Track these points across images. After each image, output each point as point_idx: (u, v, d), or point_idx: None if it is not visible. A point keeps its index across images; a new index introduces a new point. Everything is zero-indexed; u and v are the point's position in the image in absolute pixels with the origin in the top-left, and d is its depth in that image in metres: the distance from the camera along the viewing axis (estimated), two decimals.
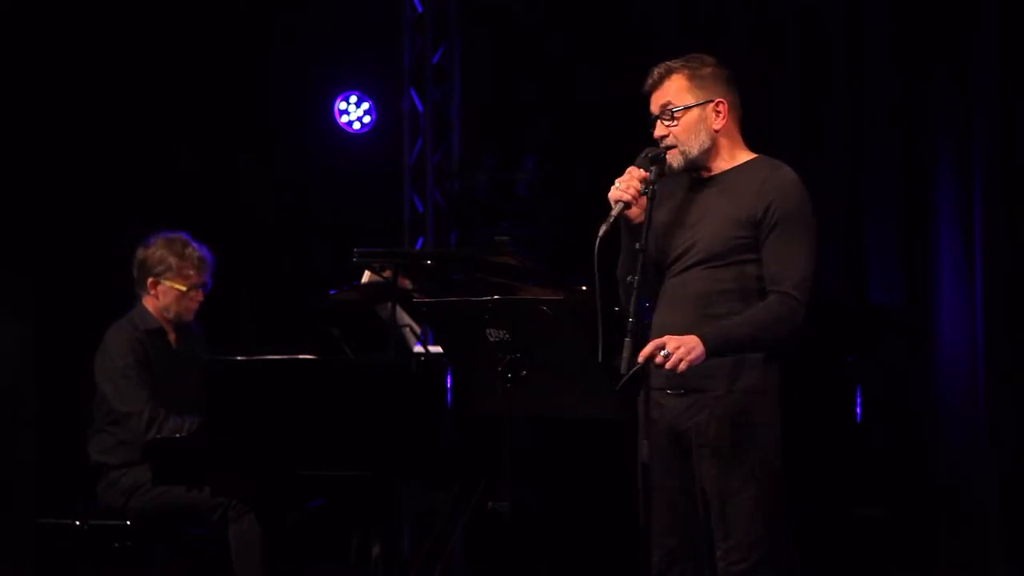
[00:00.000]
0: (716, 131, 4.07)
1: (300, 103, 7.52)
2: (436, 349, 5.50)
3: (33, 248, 6.22)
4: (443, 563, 6.22)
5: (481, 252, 5.63)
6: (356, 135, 7.61)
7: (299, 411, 4.97)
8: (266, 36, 7.34)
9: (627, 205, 3.94)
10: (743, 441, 3.98)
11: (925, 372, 6.25)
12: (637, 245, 3.91)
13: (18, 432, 6.10)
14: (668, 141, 4.06)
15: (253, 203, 7.34)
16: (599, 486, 5.68)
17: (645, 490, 3.88)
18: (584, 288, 4.87)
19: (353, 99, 7.59)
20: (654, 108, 4.09)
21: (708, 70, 4.08)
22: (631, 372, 3.75)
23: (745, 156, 4.11)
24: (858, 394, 5.56)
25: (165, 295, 5.66)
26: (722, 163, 4.09)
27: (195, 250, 5.69)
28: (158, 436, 5.32)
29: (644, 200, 3.95)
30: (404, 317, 5.83)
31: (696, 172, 4.10)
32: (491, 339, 3.90)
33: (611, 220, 3.92)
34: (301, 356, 5.19)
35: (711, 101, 4.06)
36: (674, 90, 4.07)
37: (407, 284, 5.51)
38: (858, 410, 5.56)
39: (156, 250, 5.67)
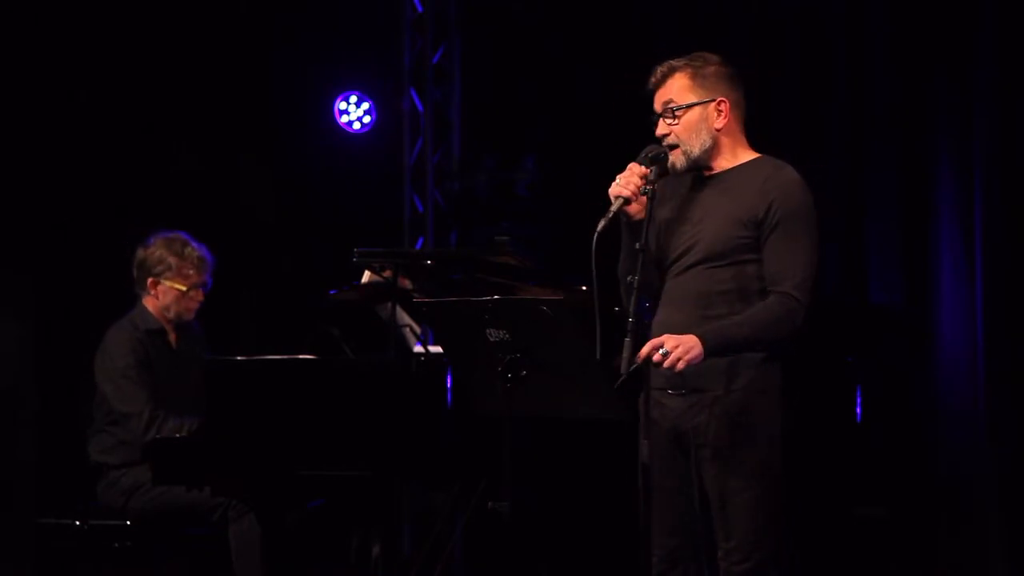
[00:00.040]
0: (718, 130, 4.07)
1: (300, 103, 7.52)
2: (436, 349, 5.50)
3: (33, 248, 6.22)
4: (443, 563, 6.22)
5: (481, 252, 5.63)
6: (356, 135, 7.61)
7: (299, 411, 4.97)
8: (266, 36, 7.34)
9: (627, 201, 3.94)
10: (743, 441, 3.98)
11: (925, 372, 6.25)
12: (637, 245, 3.91)
13: (18, 432, 6.10)
14: (670, 140, 4.06)
15: (253, 203, 7.35)
16: (599, 486, 5.67)
17: (645, 490, 3.88)
18: (584, 288, 4.87)
19: (353, 99, 7.59)
20: (657, 106, 4.09)
21: (711, 69, 4.08)
22: (630, 371, 3.75)
23: (748, 155, 4.11)
24: (858, 394, 5.56)
25: (165, 295, 5.66)
26: (724, 162, 4.09)
27: (195, 250, 5.69)
28: (158, 436, 5.32)
29: (644, 198, 3.96)
30: (404, 317, 5.83)
31: (698, 171, 4.11)
32: (491, 339, 3.90)
33: (610, 215, 3.92)
34: (301, 356, 5.19)
35: (713, 100, 4.06)
36: (676, 89, 4.07)
37: (407, 284, 5.50)
38: (858, 410, 5.56)
39: (156, 250, 5.67)
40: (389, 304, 5.39)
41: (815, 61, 6.62)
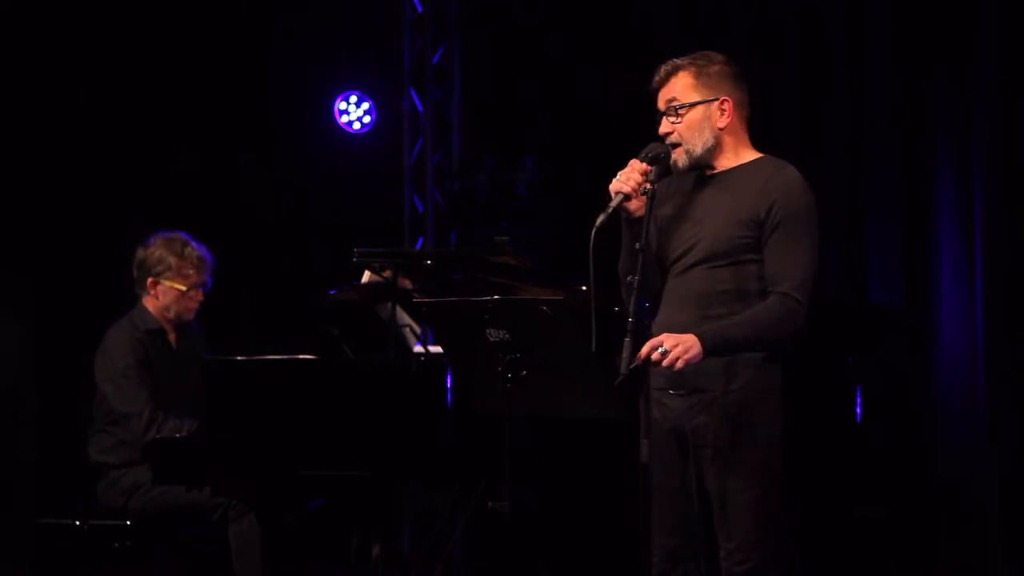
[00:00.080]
0: (720, 129, 4.07)
1: (300, 103, 7.52)
2: (436, 349, 5.50)
3: (33, 248, 6.22)
4: (443, 563, 6.22)
5: (481, 252, 5.63)
6: (356, 135, 7.61)
7: (299, 411, 4.97)
8: (266, 36, 7.34)
9: (626, 197, 3.94)
10: (743, 441, 3.98)
11: (925, 372, 6.25)
12: (637, 245, 3.91)
13: (18, 432, 6.10)
14: (672, 138, 4.06)
15: (253, 203, 7.35)
16: (599, 486, 5.68)
17: (645, 490, 3.88)
18: (584, 288, 4.87)
19: (353, 99, 7.59)
20: (660, 104, 4.09)
21: (715, 68, 4.08)
22: (629, 370, 3.75)
23: (750, 155, 4.11)
24: (858, 394, 5.55)
25: (165, 295, 5.66)
26: (727, 161, 4.09)
27: (194, 249, 5.69)
28: (157, 436, 5.32)
29: (644, 195, 3.96)
30: (404, 317, 5.83)
31: (700, 170, 4.11)
32: (491, 339, 3.90)
33: (609, 211, 3.92)
34: (301, 356, 5.19)
35: (716, 99, 4.06)
36: (680, 87, 4.07)
37: (407, 284, 5.50)
38: (858, 410, 5.56)
39: (155, 250, 5.67)
40: (389, 304, 5.39)
41: (815, 61, 6.62)
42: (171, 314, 5.67)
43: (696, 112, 4.06)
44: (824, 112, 6.59)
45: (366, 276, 5.57)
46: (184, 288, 5.65)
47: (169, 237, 5.70)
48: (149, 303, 5.68)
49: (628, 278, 3.90)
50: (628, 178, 3.95)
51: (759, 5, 6.77)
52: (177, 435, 5.30)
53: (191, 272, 5.66)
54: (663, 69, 4.10)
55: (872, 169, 6.45)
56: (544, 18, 7.47)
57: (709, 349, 3.87)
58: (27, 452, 6.11)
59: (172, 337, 5.71)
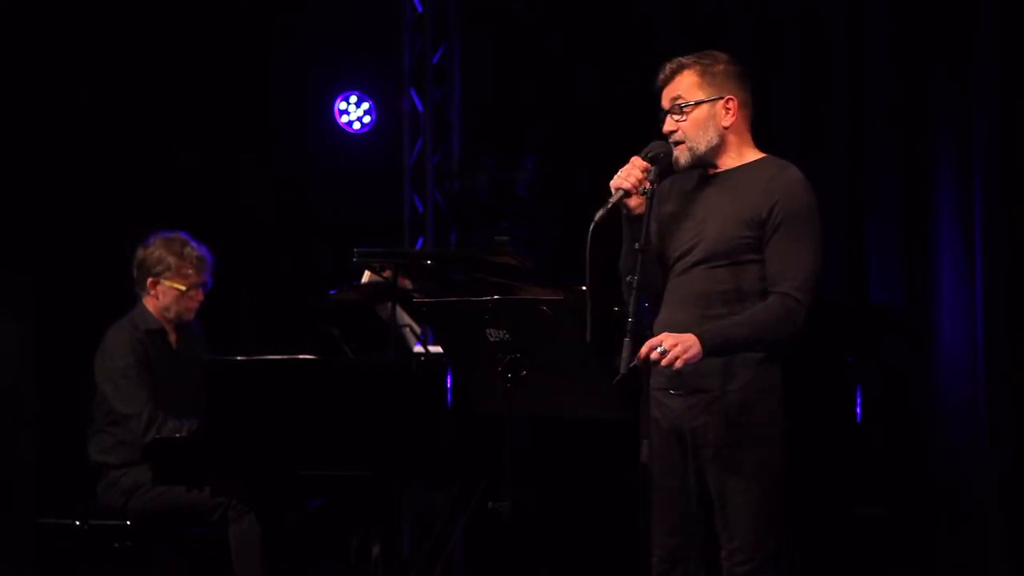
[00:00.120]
0: (725, 128, 4.07)
1: (300, 103, 7.52)
2: (436, 349, 5.50)
3: (33, 248, 6.22)
4: (443, 563, 6.22)
5: (481, 252, 5.63)
6: (356, 135, 7.61)
7: (299, 411, 4.97)
8: (266, 36, 7.34)
9: (626, 193, 3.95)
10: (744, 441, 3.98)
11: (925, 372, 6.25)
12: (636, 245, 3.91)
13: (18, 432, 6.10)
14: (676, 136, 4.06)
15: (253, 203, 7.35)
16: (599, 486, 5.67)
17: (645, 490, 3.88)
18: (584, 288, 4.87)
19: (353, 99, 7.59)
20: (664, 103, 4.09)
21: (720, 67, 4.08)
22: (629, 370, 3.75)
23: (753, 155, 4.11)
24: (858, 394, 5.55)
25: (165, 295, 5.66)
26: (730, 160, 4.09)
27: (194, 249, 5.69)
28: (157, 436, 5.32)
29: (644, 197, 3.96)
30: (404, 317, 5.83)
31: (703, 169, 4.11)
32: (491, 339, 3.90)
33: (608, 206, 3.92)
34: (301, 356, 5.19)
35: (721, 98, 4.06)
36: (685, 85, 4.07)
37: (407, 284, 5.50)
38: (858, 410, 5.55)
39: (155, 250, 5.67)
40: (389, 304, 5.39)
41: (815, 61, 6.61)
42: (171, 314, 5.67)
43: (701, 110, 4.06)
44: (824, 112, 6.59)
45: (366, 276, 5.57)
46: (184, 288, 5.65)
47: (169, 237, 5.70)
48: (149, 303, 5.68)
49: (628, 278, 3.89)
50: (629, 174, 3.95)
51: (759, 5, 6.77)
52: (177, 435, 5.30)
53: (191, 272, 5.66)
54: (668, 67, 4.10)
55: (872, 169, 6.45)
56: (544, 18, 7.47)
57: (709, 349, 3.87)
58: (27, 452, 6.11)
59: (172, 337, 5.71)
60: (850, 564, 5.92)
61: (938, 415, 6.22)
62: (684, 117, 4.06)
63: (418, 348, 5.83)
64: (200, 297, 5.72)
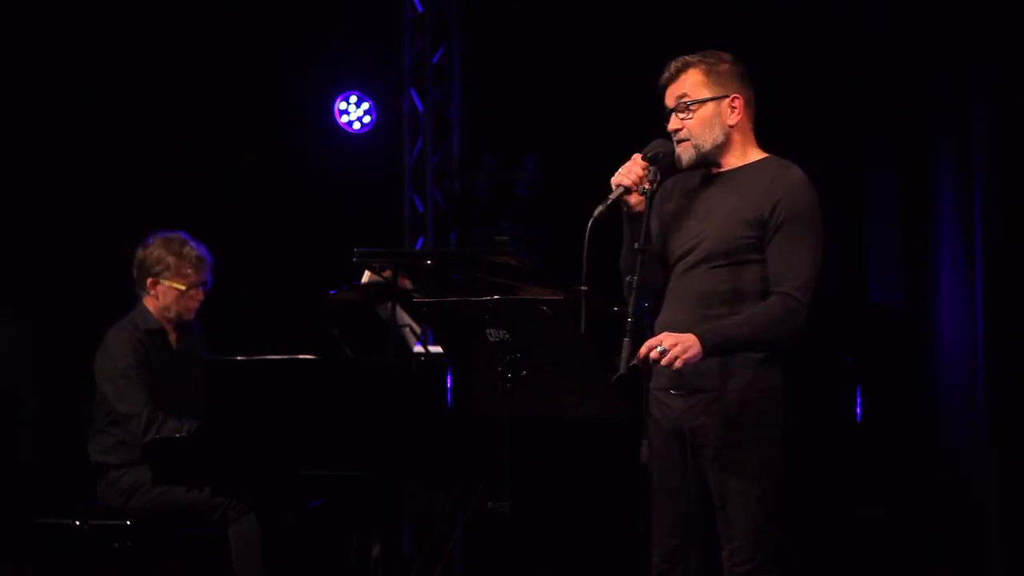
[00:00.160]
0: (731, 126, 4.07)
1: (300, 103, 7.52)
2: (436, 349, 5.50)
3: (33, 248, 6.22)
4: (443, 563, 6.22)
5: (481, 252, 5.63)
6: (356, 135, 7.61)
7: (299, 411, 4.97)
8: (266, 36, 7.34)
9: (627, 190, 3.95)
10: (744, 441, 3.98)
11: (925, 372, 6.25)
12: (636, 245, 3.91)
13: (18, 432, 6.10)
14: (682, 134, 4.06)
15: (253, 203, 7.35)
16: (599, 486, 5.67)
17: (645, 490, 3.88)
18: (584, 288, 4.87)
19: (353, 99, 7.59)
20: (669, 101, 4.09)
21: (725, 66, 4.09)
22: (628, 369, 3.75)
23: (757, 155, 4.11)
24: (858, 394, 5.55)
25: (165, 295, 5.66)
26: (733, 160, 4.09)
27: (193, 249, 5.69)
28: (157, 436, 5.32)
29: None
30: (404, 317, 5.83)
31: (706, 168, 4.11)
32: (491, 339, 3.90)
33: (608, 202, 3.93)
34: (301, 356, 5.19)
35: (727, 96, 4.07)
36: (690, 83, 4.07)
37: (407, 284, 5.50)
38: (858, 410, 5.56)
39: (154, 250, 5.67)
40: (389, 304, 5.39)
41: (815, 61, 6.61)
42: (171, 314, 5.67)
43: (707, 108, 4.06)
44: (824, 112, 6.59)
45: (366, 276, 5.57)
46: (183, 287, 5.65)
47: (168, 237, 5.70)
48: (149, 303, 5.68)
49: (627, 278, 3.89)
50: (630, 171, 3.95)
51: (759, 5, 6.77)
52: (177, 435, 5.30)
53: (190, 271, 5.66)
54: (673, 65, 4.10)
55: (872, 169, 6.45)
56: (544, 18, 7.47)
57: (709, 349, 3.87)
58: (27, 452, 6.11)
59: (172, 337, 5.71)
60: (850, 564, 5.91)
61: (938, 415, 6.22)
62: (690, 115, 4.06)
63: (418, 348, 5.83)
64: (200, 296, 5.72)
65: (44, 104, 6.38)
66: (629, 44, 6.94)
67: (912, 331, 6.26)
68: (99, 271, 6.30)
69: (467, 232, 7.64)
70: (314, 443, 4.96)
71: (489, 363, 3.92)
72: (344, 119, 7.58)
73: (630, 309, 3.81)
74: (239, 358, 5.17)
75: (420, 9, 7.67)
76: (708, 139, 4.06)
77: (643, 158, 3.98)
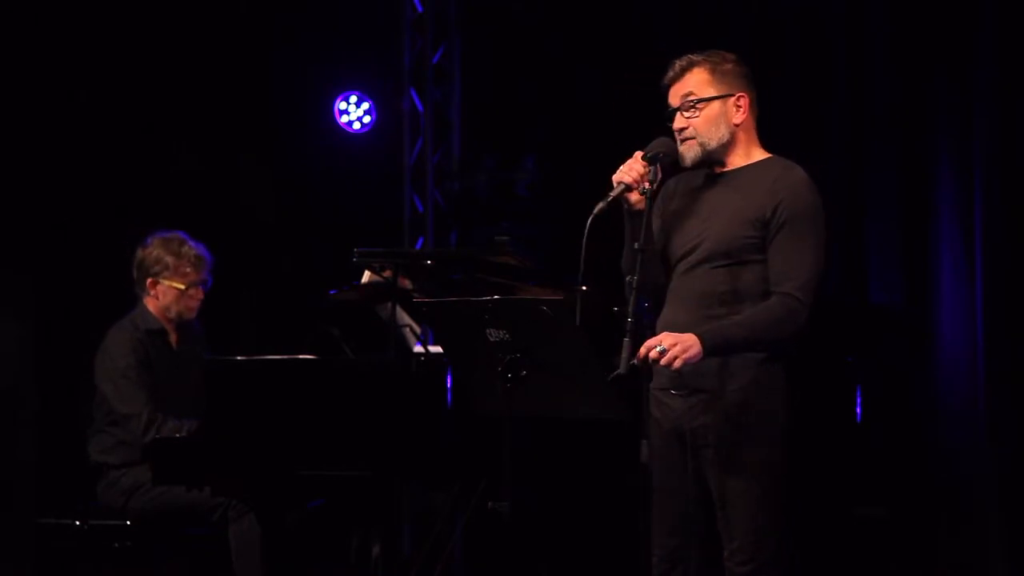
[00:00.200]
0: (736, 125, 4.07)
1: (300, 103, 7.52)
2: (436, 349, 5.50)
3: (33, 248, 6.22)
4: (443, 563, 6.22)
5: (481, 252, 5.63)
6: (356, 135, 7.61)
7: (299, 411, 4.97)
8: (266, 36, 7.34)
9: (628, 188, 3.95)
10: (744, 441, 3.98)
11: (925, 372, 6.25)
12: (636, 245, 3.91)
13: (18, 432, 6.10)
14: (687, 133, 4.06)
15: (253, 203, 7.35)
16: (599, 486, 5.67)
17: (645, 490, 3.88)
18: (584, 288, 4.87)
19: (353, 99, 7.59)
20: (674, 100, 4.09)
21: (729, 66, 4.09)
22: (628, 369, 3.75)
23: (760, 155, 4.11)
24: (858, 394, 5.55)
25: (165, 295, 5.66)
26: (737, 159, 4.10)
27: (192, 248, 5.69)
28: (157, 436, 5.32)
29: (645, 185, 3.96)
30: (404, 317, 5.83)
31: (710, 168, 4.11)
32: (491, 339, 3.90)
33: (609, 199, 3.93)
34: (301, 356, 5.19)
35: (732, 95, 4.07)
36: (696, 82, 4.07)
37: (407, 284, 5.50)
38: (858, 410, 5.56)
39: (153, 250, 5.67)
40: (389, 304, 5.39)
41: (815, 61, 6.61)
42: (172, 313, 5.67)
43: (713, 107, 4.06)
44: (824, 112, 6.59)
45: (366, 276, 5.57)
46: (183, 286, 5.65)
47: (166, 237, 5.70)
48: (150, 303, 5.68)
49: (628, 278, 3.89)
50: (631, 168, 3.96)
51: (759, 5, 6.77)
52: (177, 435, 5.30)
53: (189, 270, 5.67)
54: (677, 64, 4.10)
55: (872, 169, 6.45)
56: (544, 18, 7.47)
57: (709, 349, 3.87)
58: (27, 452, 6.11)
59: (173, 337, 5.71)
60: (850, 564, 5.91)
61: (938, 415, 6.22)
62: (696, 113, 4.06)
63: (418, 348, 5.83)
64: (200, 295, 5.72)
65: (44, 104, 6.37)
66: (629, 44, 6.94)
67: (912, 331, 6.26)
68: (99, 271, 6.30)
69: (467, 232, 7.64)
70: (314, 443, 4.96)
71: (489, 363, 3.92)
72: (344, 119, 7.58)
73: (630, 309, 3.81)
74: (239, 358, 5.17)
75: (420, 9, 7.67)
76: (714, 137, 4.06)
77: (643, 157, 3.98)
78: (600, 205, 3.90)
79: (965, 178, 6.17)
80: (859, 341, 5.88)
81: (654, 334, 3.91)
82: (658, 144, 4.03)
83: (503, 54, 7.61)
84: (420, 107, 7.70)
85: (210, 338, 5.88)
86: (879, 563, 6.08)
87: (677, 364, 3.82)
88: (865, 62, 6.48)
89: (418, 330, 5.94)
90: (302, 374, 5.06)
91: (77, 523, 5.51)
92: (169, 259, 5.64)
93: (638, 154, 3.99)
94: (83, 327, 5.90)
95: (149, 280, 5.66)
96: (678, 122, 4.07)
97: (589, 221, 3.84)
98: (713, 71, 4.07)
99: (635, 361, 3.78)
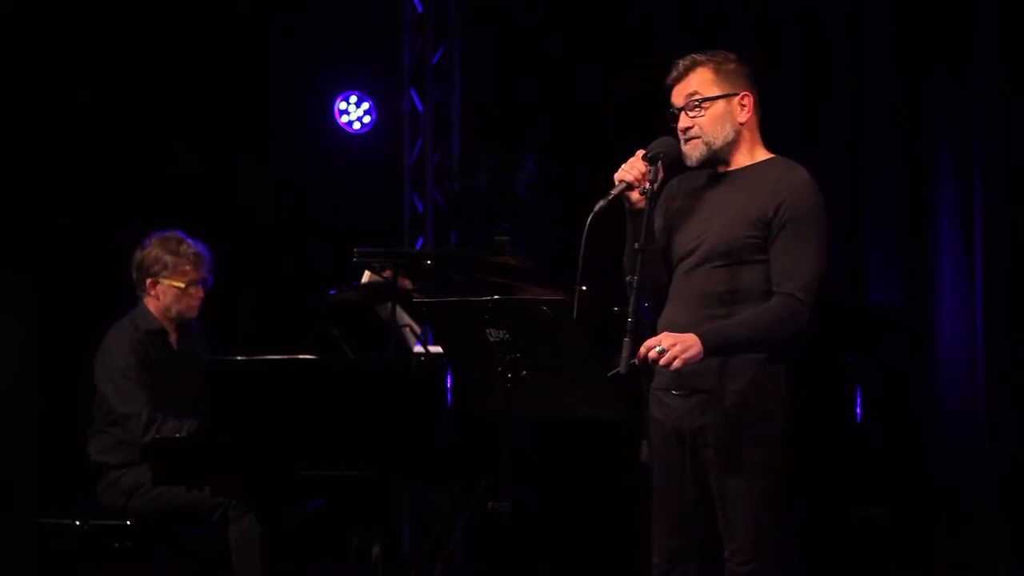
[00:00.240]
0: (741, 124, 4.07)
1: (300, 103, 7.52)
2: (436, 349, 5.50)
3: (33, 248, 6.22)
4: (443, 563, 6.22)
5: (481, 252, 5.63)
6: (356, 135, 7.61)
7: (299, 411, 4.97)
8: (266, 36, 7.34)
9: (629, 186, 3.95)
10: (745, 441, 3.97)
11: (925, 372, 6.25)
12: (636, 245, 3.91)
13: (18, 432, 6.10)
14: (692, 132, 4.06)
15: (253, 203, 7.35)
16: (599, 486, 5.67)
17: (645, 490, 3.88)
18: (584, 288, 4.87)
19: (353, 99, 7.59)
20: (677, 100, 4.09)
21: (732, 65, 4.09)
22: (628, 368, 3.75)
23: (763, 155, 4.11)
24: (858, 394, 5.55)
25: (165, 294, 5.66)
26: (741, 159, 4.09)
27: (190, 246, 5.69)
28: (157, 437, 5.32)
29: (647, 183, 3.96)
30: (404, 317, 5.83)
31: (713, 167, 4.11)
32: (491, 339, 3.90)
33: (610, 197, 3.93)
34: (301, 356, 5.19)
35: (737, 94, 4.07)
36: (700, 81, 4.07)
37: (407, 284, 5.50)
38: (858, 410, 5.56)
39: (151, 250, 5.67)
40: (389, 304, 5.39)
41: (815, 61, 6.61)
42: (173, 313, 5.67)
43: (718, 106, 4.06)
44: (824, 112, 6.59)
45: (366, 276, 5.57)
46: (182, 285, 5.65)
47: (164, 236, 5.70)
48: (150, 303, 5.68)
49: (628, 278, 3.89)
50: (632, 166, 3.96)
51: (759, 5, 6.77)
52: (177, 435, 5.30)
53: (188, 269, 5.67)
54: (681, 64, 4.10)
55: (872, 169, 6.45)
56: (544, 18, 7.47)
57: (709, 349, 3.87)
58: (27, 452, 6.11)
59: (173, 337, 5.71)
60: (850, 564, 5.92)
61: (938, 415, 6.22)
62: (702, 112, 4.06)
63: (418, 348, 5.83)
64: (200, 294, 5.72)
65: (44, 104, 6.37)
66: (629, 44, 6.94)
67: (912, 331, 6.26)
68: (99, 271, 6.30)
69: (467, 232, 7.64)
70: (314, 443, 4.96)
71: (489, 363, 3.92)
72: (344, 119, 7.58)
73: (630, 309, 3.80)
74: (239, 358, 5.17)
75: (420, 9, 7.67)
76: (719, 136, 4.06)
77: (644, 157, 3.98)
78: (601, 203, 3.90)
79: (965, 178, 6.17)
80: (859, 341, 5.88)
81: (654, 334, 3.91)
82: (660, 143, 4.03)
83: (503, 54, 7.61)
84: (420, 107, 7.70)
85: (210, 338, 5.88)
86: (879, 563, 6.08)
87: (677, 364, 3.82)
88: (865, 62, 6.48)
89: (418, 330, 5.94)
90: (302, 374, 5.06)
91: (77, 523, 5.51)
92: (168, 258, 5.64)
93: (639, 153, 3.99)
94: (83, 327, 5.90)
95: (149, 280, 5.66)
96: (683, 121, 4.07)
97: (589, 219, 3.84)
98: (717, 70, 4.07)
99: (635, 361, 3.78)
